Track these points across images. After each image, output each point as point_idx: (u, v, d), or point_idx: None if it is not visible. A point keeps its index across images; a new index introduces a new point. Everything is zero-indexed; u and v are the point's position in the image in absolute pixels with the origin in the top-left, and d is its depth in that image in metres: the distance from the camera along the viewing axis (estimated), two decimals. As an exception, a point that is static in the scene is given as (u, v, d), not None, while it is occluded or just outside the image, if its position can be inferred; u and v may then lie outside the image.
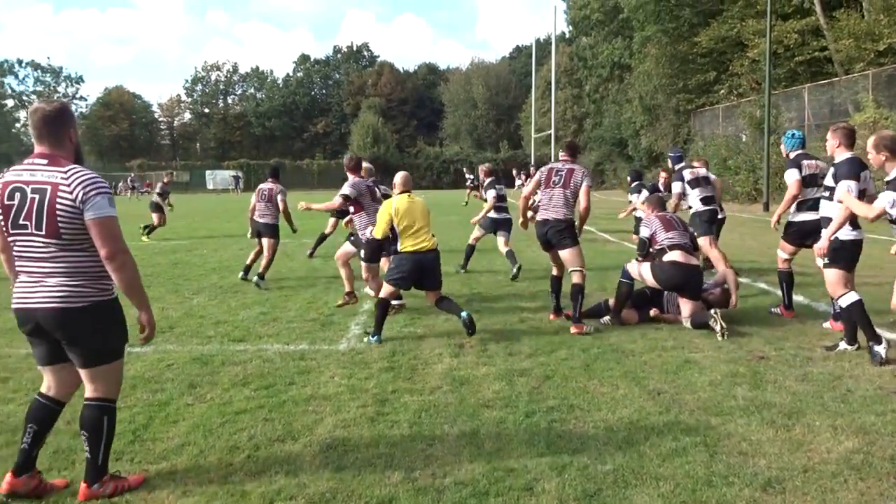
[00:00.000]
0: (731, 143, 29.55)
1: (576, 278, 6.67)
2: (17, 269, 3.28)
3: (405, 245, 6.41)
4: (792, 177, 6.75)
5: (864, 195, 5.61)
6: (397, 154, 69.17)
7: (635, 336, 6.36)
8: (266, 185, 10.06)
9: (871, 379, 4.98)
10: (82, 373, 3.33)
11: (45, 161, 3.18)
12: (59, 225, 3.11)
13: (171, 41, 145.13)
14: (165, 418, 4.45)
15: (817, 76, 27.68)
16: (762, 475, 3.48)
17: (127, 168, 67.68)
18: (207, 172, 68.38)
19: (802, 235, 6.81)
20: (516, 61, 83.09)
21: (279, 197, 9.89)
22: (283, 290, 9.08)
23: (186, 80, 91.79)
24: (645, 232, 7.10)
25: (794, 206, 6.85)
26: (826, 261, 5.66)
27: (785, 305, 7.17)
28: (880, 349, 5.33)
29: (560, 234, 6.77)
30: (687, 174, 9.09)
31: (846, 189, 5.42)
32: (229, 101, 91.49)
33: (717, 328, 6.19)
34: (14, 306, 3.28)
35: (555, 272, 7.18)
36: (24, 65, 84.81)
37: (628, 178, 12.71)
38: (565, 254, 6.82)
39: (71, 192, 3.10)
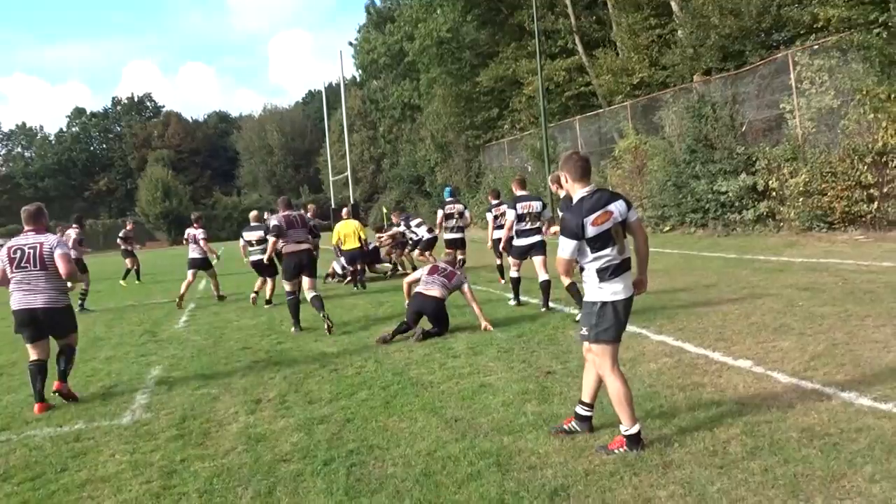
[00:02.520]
0: (517, 173, 31.50)
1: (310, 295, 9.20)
2: (17, 288, 6.19)
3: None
4: (439, 214, 12.80)
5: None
6: (192, 206, 65.89)
7: (434, 367, 6.48)
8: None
9: (643, 378, 5.45)
10: (62, 341, 6.46)
11: (34, 232, 6.28)
12: (46, 262, 6.13)
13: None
14: None
15: (586, 108, 30.34)
16: (549, 485, 3.65)
17: None
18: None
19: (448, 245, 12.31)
20: (310, 106, 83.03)
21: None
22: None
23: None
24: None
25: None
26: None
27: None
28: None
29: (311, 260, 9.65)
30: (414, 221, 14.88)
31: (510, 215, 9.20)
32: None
33: None
34: (18, 307, 6.19)
35: (288, 288, 9.32)
36: None
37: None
38: (306, 281, 9.30)
39: (49, 245, 6.17)
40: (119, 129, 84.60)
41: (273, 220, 9.79)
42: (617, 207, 4.17)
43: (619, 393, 4.10)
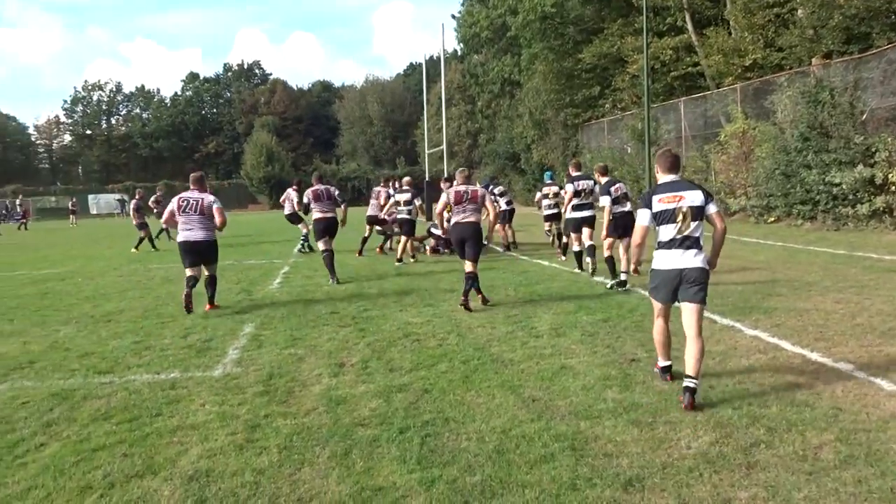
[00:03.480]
0: (616, 154, 30.73)
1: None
2: (182, 227, 8.77)
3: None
4: (537, 195, 14.61)
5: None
6: (293, 172, 67.89)
7: (516, 346, 6.44)
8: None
9: (732, 374, 5.23)
10: (209, 266, 9.01)
11: (198, 191, 8.91)
12: (205, 210, 8.74)
13: (49, 60, 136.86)
14: (13, 461, 4.13)
15: (692, 90, 29.18)
16: (623, 475, 3.57)
17: (-1, 195, 63.67)
18: (90, 197, 64.94)
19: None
20: (411, 78, 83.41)
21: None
22: (160, 317, 8.66)
23: (65, 101, 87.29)
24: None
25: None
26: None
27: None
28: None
29: None
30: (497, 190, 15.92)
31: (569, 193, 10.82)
32: (113, 121, 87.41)
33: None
34: (183, 240, 8.75)
35: (322, 246, 11.33)
36: None
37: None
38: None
39: (208, 201, 8.81)
40: (229, 94, 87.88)
41: (307, 193, 11.54)
42: (690, 195, 4.89)
43: (655, 335, 5.22)
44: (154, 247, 18.70)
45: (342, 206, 11.76)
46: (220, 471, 3.85)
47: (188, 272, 8.90)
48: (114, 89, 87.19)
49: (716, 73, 26.42)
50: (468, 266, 8.50)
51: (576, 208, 10.70)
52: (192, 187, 9.01)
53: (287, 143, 74.58)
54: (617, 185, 9.83)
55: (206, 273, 9.01)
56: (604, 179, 10.04)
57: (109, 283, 12.27)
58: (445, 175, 30.58)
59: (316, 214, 11.27)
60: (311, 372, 5.83)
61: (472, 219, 8.60)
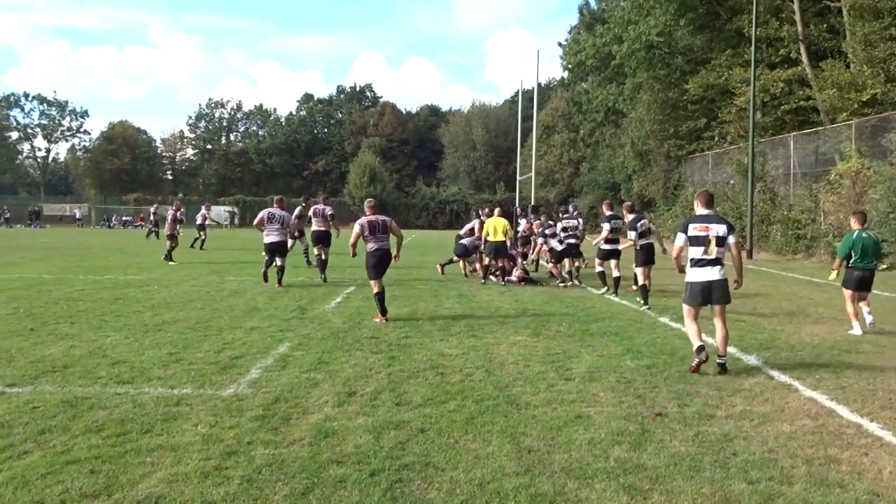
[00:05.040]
0: (720, 189, 29.34)
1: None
2: (269, 231, 13.37)
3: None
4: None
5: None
6: (395, 193, 69.26)
7: (540, 388, 6.01)
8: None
9: (765, 440, 4.63)
10: (281, 258, 13.60)
11: (280, 209, 13.75)
12: (285, 223, 13.69)
13: (186, 79, 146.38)
14: (-12, 468, 4.13)
15: (804, 125, 27.53)
16: (587, 552, 3.13)
17: (123, 202, 68.29)
18: (202, 207, 68.58)
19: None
20: (517, 104, 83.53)
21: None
22: (207, 330, 8.76)
23: (190, 117, 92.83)
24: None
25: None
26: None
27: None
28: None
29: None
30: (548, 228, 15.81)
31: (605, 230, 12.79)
32: (232, 137, 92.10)
33: None
34: (269, 241, 13.37)
35: (316, 252, 15.39)
36: (30, 98, 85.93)
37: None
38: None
39: (287, 216, 14.07)
40: (340, 115, 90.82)
41: (311, 209, 15.97)
42: (716, 227, 6.60)
43: (687, 327, 6.79)
44: (170, 259, 19.21)
45: (333, 221, 15.74)
46: (171, 498, 3.69)
47: (268, 259, 13.40)
48: (234, 107, 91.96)
49: (830, 108, 24.81)
50: (377, 286, 9.69)
51: (608, 241, 12.58)
52: (274, 206, 13.87)
53: (392, 164, 76.16)
54: (642, 222, 11.41)
55: (278, 263, 13.24)
56: (630, 217, 11.52)
57: (180, 292, 12.63)
58: (532, 203, 30.14)
59: (314, 227, 15.59)
60: (318, 398, 5.64)
61: (385, 246, 9.92)
